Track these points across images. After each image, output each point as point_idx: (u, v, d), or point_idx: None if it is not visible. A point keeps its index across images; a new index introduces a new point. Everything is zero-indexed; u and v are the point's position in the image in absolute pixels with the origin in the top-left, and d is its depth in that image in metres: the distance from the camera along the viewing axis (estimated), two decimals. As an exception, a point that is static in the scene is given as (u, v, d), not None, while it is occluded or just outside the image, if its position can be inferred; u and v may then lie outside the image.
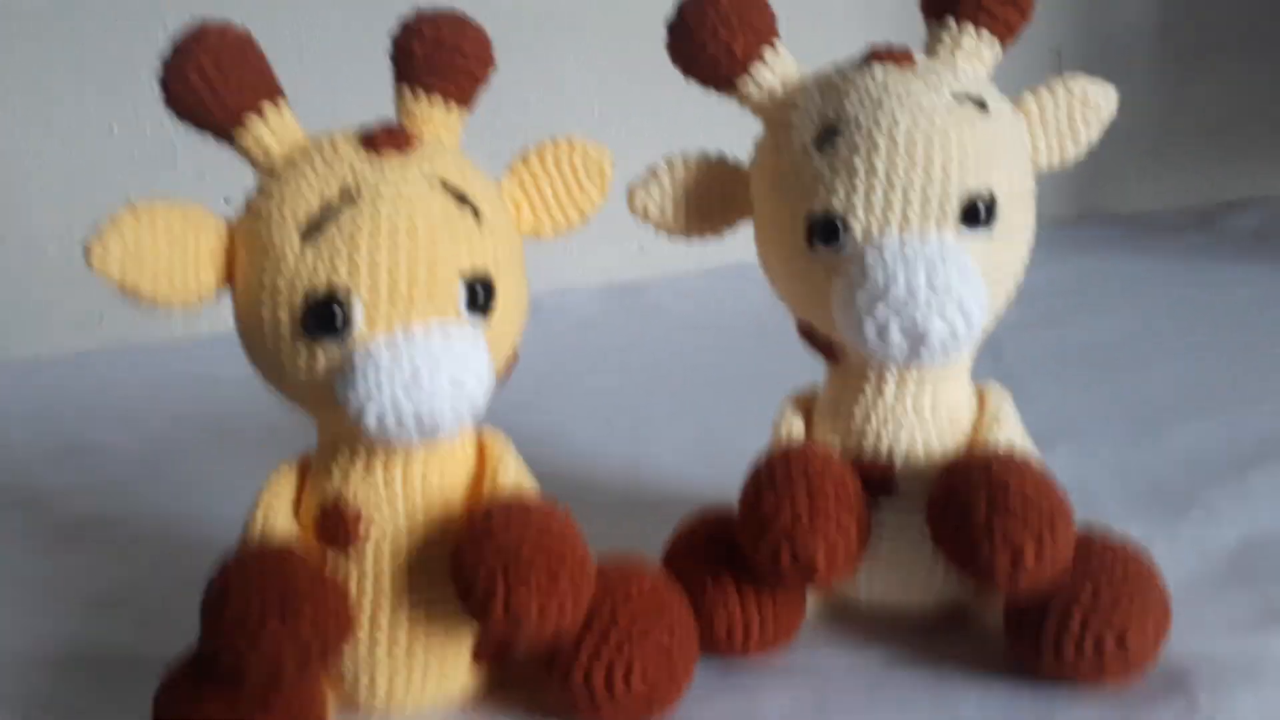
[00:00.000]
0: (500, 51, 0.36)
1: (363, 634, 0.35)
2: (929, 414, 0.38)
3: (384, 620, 0.35)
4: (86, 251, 0.30)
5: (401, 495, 0.35)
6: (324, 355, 0.32)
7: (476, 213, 0.34)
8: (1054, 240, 0.37)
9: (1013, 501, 0.33)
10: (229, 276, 0.33)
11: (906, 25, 0.41)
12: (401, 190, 0.32)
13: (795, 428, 0.40)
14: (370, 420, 0.31)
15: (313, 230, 0.32)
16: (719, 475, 0.48)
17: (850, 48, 0.39)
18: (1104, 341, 0.70)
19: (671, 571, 0.39)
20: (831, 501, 0.35)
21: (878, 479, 0.38)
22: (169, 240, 0.31)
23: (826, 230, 0.35)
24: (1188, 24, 0.97)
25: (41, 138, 0.80)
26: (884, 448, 0.38)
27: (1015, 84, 0.38)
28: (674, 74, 0.38)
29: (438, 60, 0.34)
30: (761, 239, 0.39)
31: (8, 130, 0.80)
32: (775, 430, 0.40)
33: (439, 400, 0.31)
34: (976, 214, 0.34)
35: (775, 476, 0.36)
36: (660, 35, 0.38)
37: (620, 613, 0.35)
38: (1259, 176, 1.01)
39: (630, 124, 0.80)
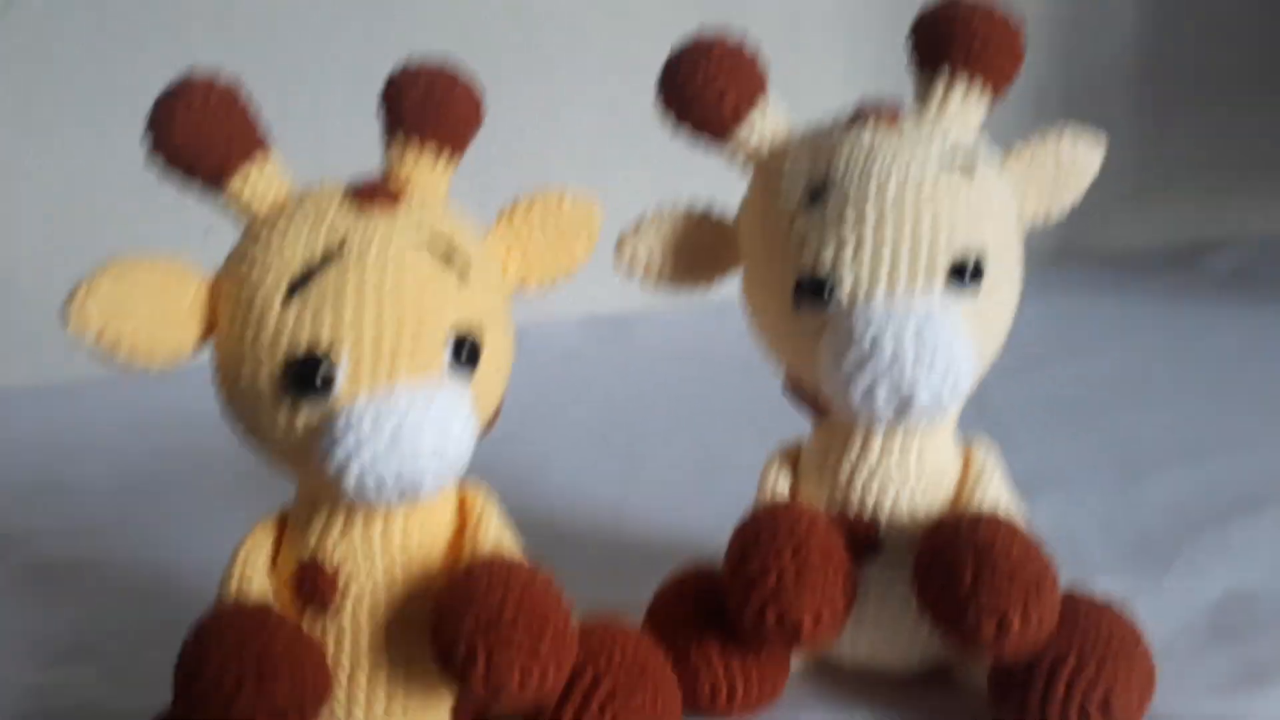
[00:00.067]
0: (493, 95, 0.36)
1: (340, 695, 0.35)
2: (915, 471, 0.38)
3: (362, 680, 0.35)
4: (64, 310, 0.29)
5: (380, 553, 0.35)
6: (304, 415, 0.31)
7: (464, 269, 0.33)
8: (1034, 279, 0.37)
9: (999, 567, 0.33)
10: (210, 332, 0.33)
11: (896, 73, 0.41)
12: (388, 247, 0.32)
13: (782, 484, 0.40)
14: (349, 482, 0.31)
15: (296, 287, 0.31)
16: (704, 517, 0.48)
17: (841, 98, 0.39)
18: (1086, 385, 0.71)
19: (655, 629, 0.38)
20: (818, 564, 0.35)
21: (863, 537, 0.38)
22: (149, 297, 0.31)
23: (814, 289, 0.35)
24: (1168, 64, 0.99)
25: (18, 166, 0.80)
26: (869, 504, 0.38)
27: (996, 120, 0.38)
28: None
29: (428, 112, 0.34)
30: (749, 293, 0.39)
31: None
32: (761, 485, 0.40)
33: (420, 463, 0.31)
34: (964, 274, 0.35)
35: (761, 537, 0.36)
36: (654, 83, 0.38)
37: (603, 676, 0.34)
38: (1238, 216, 1.02)
39: (625, 168, 0.80)
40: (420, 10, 0.83)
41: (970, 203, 0.34)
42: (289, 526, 0.36)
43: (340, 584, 0.34)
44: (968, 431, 0.40)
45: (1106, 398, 0.69)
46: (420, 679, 0.35)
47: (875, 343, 0.33)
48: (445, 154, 0.35)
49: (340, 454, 0.31)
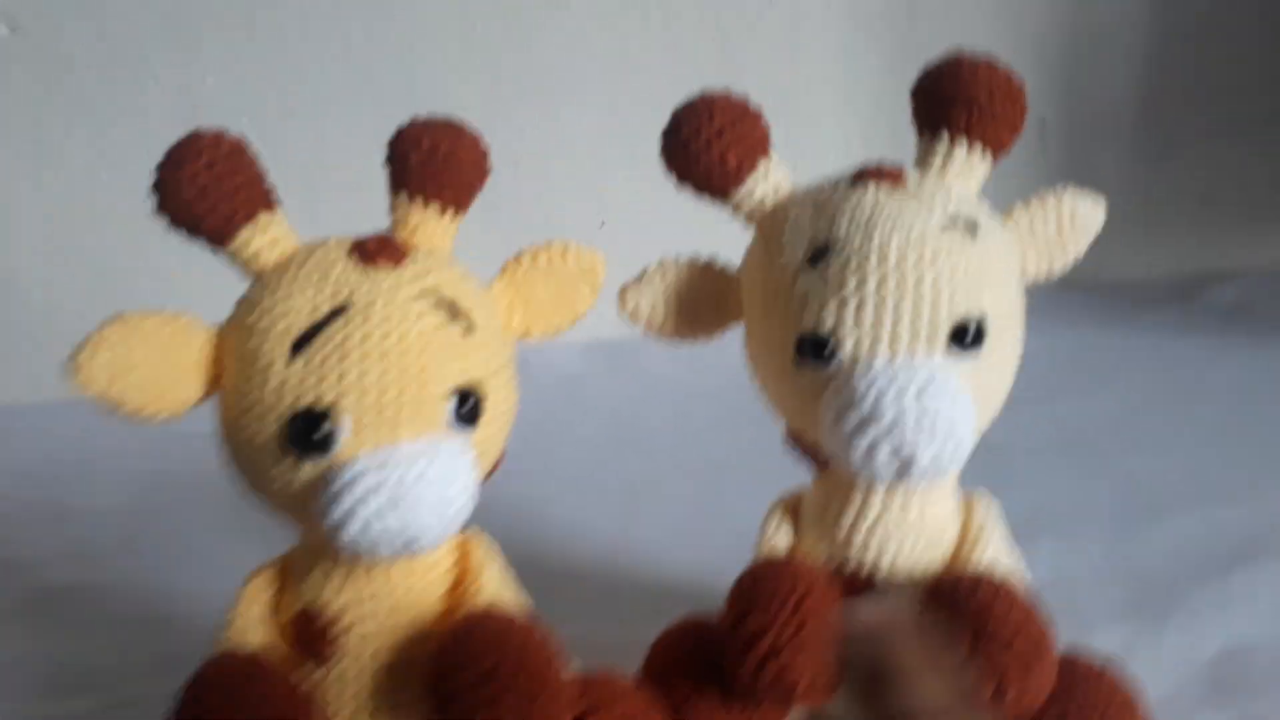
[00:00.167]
0: (498, 136, 0.36)
1: (336, 746, 0.35)
2: (915, 527, 0.38)
3: (359, 731, 0.35)
4: (70, 366, 0.30)
5: (379, 604, 0.35)
6: (305, 470, 0.32)
7: (468, 324, 0.33)
8: (1035, 310, 0.37)
9: (997, 633, 0.33)
10: (214, 386, 0.33)
11: (898, 129, 0.41)
12: (393, 304, 0.32)
13: (781, 536, 0.40)
14: (349, 538, 0.31)
15: (301, 344, 0.31)
16: (704, 555, 0.48)
17: (843, 158, 0.39)
18: (1087, 423, 0.71)
19: (652, 680, 0.38)
20: (816, 624, 0.35)
21: (861, 593, 0.38)
22: (155, 352, 0.31)
23: (815, 348, 0.35)
24: (1171, 99, 0.99)
25: (21, 182, 0.80)
26: (869, 560, 0.38)
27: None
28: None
29: (433, 169, 0.34)
30: (751, 348, 0.39)
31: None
32: (761, 537, 0.40)
33: (421, 520, 0.31)
34: (966, 338, 0.35)
35: (760, 594, 0.36)
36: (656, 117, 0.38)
37: (600, 732, 0.34)
38: (1239, 250, 1.02)
39: (629, 202, 0.81)
40: (428, 42, 0.84)
41: (972, 266, 0.35)
42: (290, 574, 0.36)
43: (338, 634, 0.35)
44: (968, 469, 0.40)
45: (1107, 437, 0.69)
46: (417, 731, 0.35)
47: (876, 405, 0.33)
48: (451, 209, 0.35)
49: (340, 511, 0.31)
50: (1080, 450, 0.67)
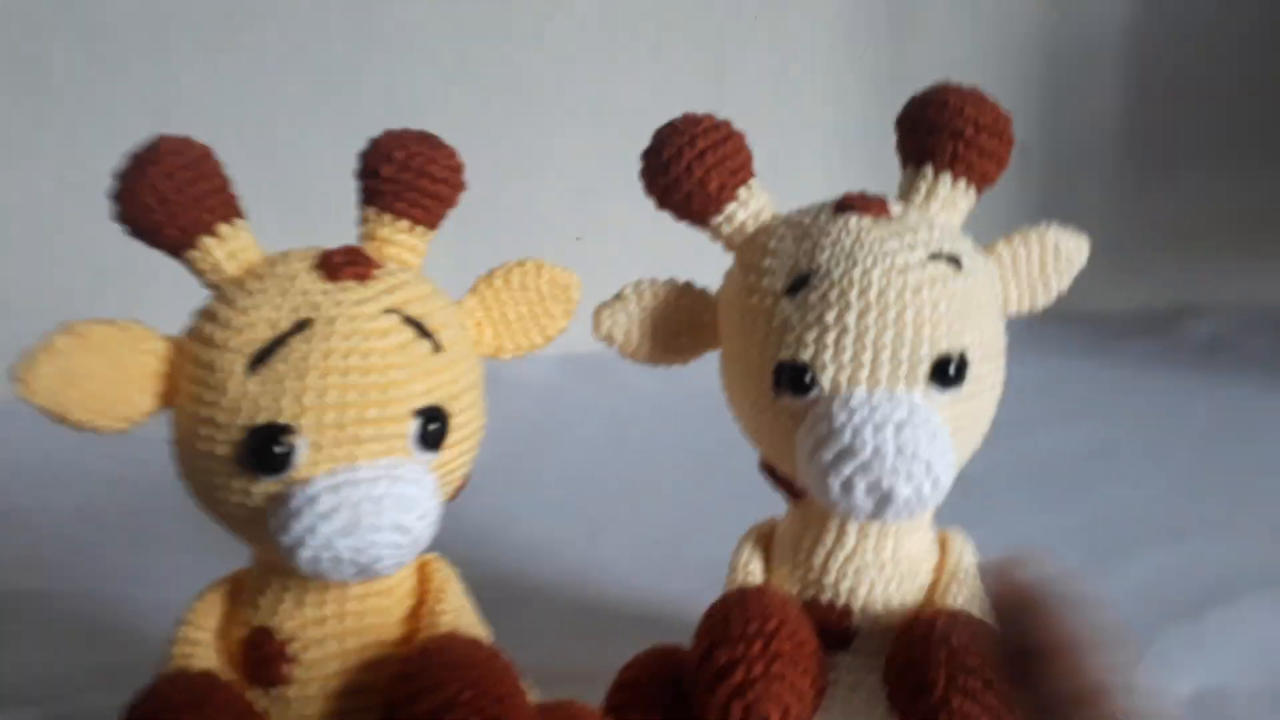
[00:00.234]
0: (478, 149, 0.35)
1: (286, 772, 0.33)
2: (890, 563, 0.37)
3: (309, 757, 0.33)
4: (14, 379, 0.28)
5: (334, 630, 0.33)
6: (261, 488, 0.30)
7: (436, 343, 0.32)
8: (1013, 340, 0.37)
9: (971, 679, 0.32)
10: (169, 398, 0.32)
11: (883, 161, 0.40)
12: (357, 321, 0.31)
13: (754, 566, 0.39)
14: (303, 560, 0.30)
15: (260, 359, 0.30)
16: (674, 580, 0.47)
17: (828, 185, 0.38)
18: (1063, 455, 0.70)
19: (616, 712, 0.37)
20: (788, 659, 0.34)
21: (835, 626, 0.37)
22: (106, 363, 0.30)
23: (794, 376, 0.34)
24: (1150, 130, 1.00)
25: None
26: (843, 594, 0.37)
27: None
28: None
29: (405, 184, 0.33)
30: (728, 375, 0.38)
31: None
32: (733, 568, 0.39)
33: (379, 545, 0.30)
34: (947, 374, 0.34)
35: (731, 627, 0.35)
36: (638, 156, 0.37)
37: (561, 766, 0.33)
38: (1217, 283, 1.03)
39: (611, 215, 0.80)
40: (412, 51, 0.83)
41: (955, 300, 0.34)
42: (242, 593, 0.35)
43: (291, 655, 0.33)
44: (940, 502, 0.39)
45: (1082, 469, 0.68)
46: (370, 762, 0.34)
47: (855, 438, 0.32)
48: (422, 225, 0.34)
49: (296, 531, 0.30)
50: (1055, 482, 0.66)
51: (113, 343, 0.30)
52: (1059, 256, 0.37)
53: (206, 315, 0.32)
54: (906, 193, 0.37)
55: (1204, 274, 1.03)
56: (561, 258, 0.38)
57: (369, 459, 0.31)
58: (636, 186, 0.37)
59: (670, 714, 0.37)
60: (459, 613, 0.35)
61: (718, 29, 0.87)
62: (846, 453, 0.33)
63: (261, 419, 0.30)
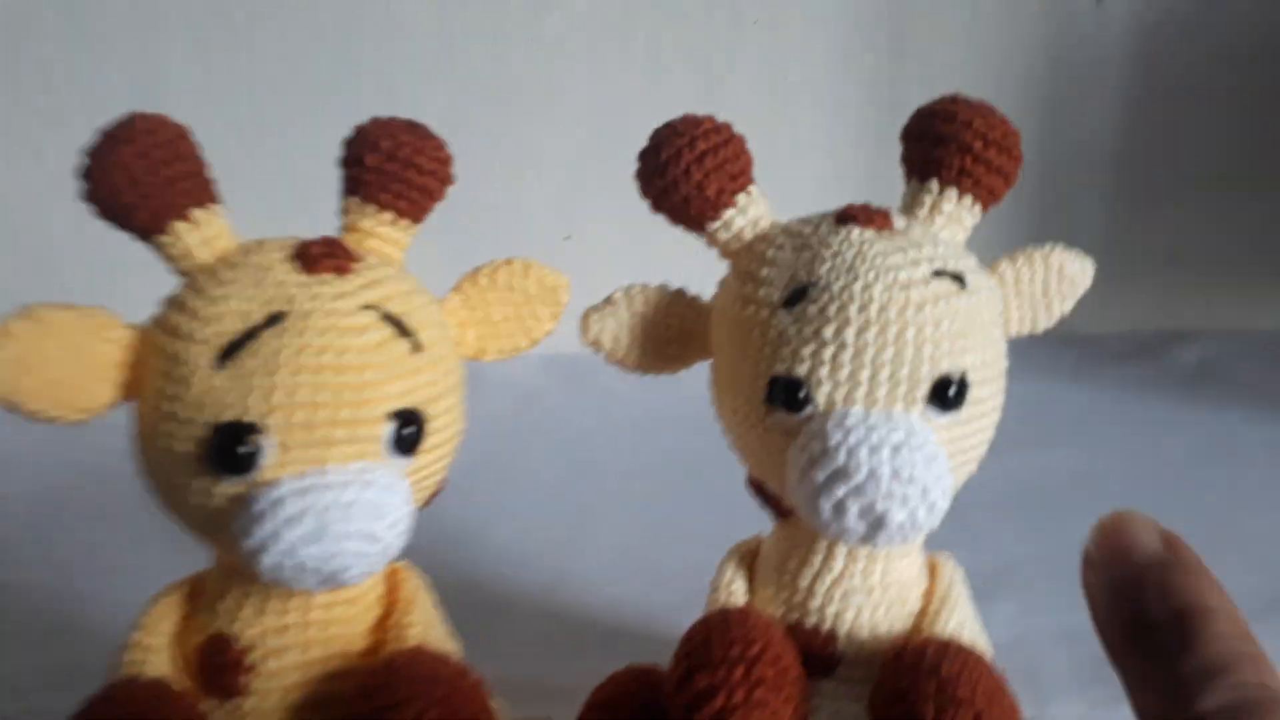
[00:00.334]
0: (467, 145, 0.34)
1: (241, 794, 0.32)
2: (879, 588, 0.36)
3: (266, 772, 0.32)
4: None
5: (296, 639, 0.32)
6: (223, 489, 0.29)
7: (416, 343, 0.31)
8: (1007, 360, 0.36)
9: (961, 711, 0.31)
10: (131, 390, 0.30)
11: (880, 175, 0.39)
12: (333, 316, 0.29)
13: (737, 587, 0.37)
14: (265, 567, 0.28)
15: (229, 353, 0.29)
16: (653, 593, 0.46)
17: (824, 195, 0.37)
18: (1049, 478, 0.69)
19: (589, 734, 0.36)
20: (770, 686, 0.32)
21: (819, 650, 0.36)
22: (66, 351, 0.28)
23: (788, 390, 0.33)
24: (1143, 156, 0.99)
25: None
26: (829, 617, 0.36)
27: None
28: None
29: (390, 175, 0.32)
30: (718, 386, 0.36)
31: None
32: (714, 588, 0.38)
33: (346, 553, 0.28)
34: (947, 395, 0.33)
35: (712, 652, 0.33)
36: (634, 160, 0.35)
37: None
38: (1206, 309, 1.02)
39: (600, 217, 0.79)
40: (402, 45, 0.81)
41: (957, 323, 0.33)
42: (201, 597, 0.33)
43: (250, 664, 0.32)
44: (934, 553, 0.38)
45: (1068, 493, 0.67)
46: (330, 779, 0.32)
47: (850, 458, 0.31)
48: (407, 217, 0.32)
49: (259, 536, 0.28)
50: (1042, 505, 0.65)
51: (73, 329, 0.28)
52: (1063, 279, 0.36)
53: (174, 304, 0.30)
54: (910, 206, 0.35)
55: (1194, 299, 1.02)
56: (550, 257, 0.36)
57: (339, 462, 0.29)
58: (629, 187, 0.35)
59: (645, 736, 0.35)
60: (428, 625, 0.34)
61: (714, 31, 0.85)
62: (840, 474, 0.31)
63: (227, 416, 0.28)
